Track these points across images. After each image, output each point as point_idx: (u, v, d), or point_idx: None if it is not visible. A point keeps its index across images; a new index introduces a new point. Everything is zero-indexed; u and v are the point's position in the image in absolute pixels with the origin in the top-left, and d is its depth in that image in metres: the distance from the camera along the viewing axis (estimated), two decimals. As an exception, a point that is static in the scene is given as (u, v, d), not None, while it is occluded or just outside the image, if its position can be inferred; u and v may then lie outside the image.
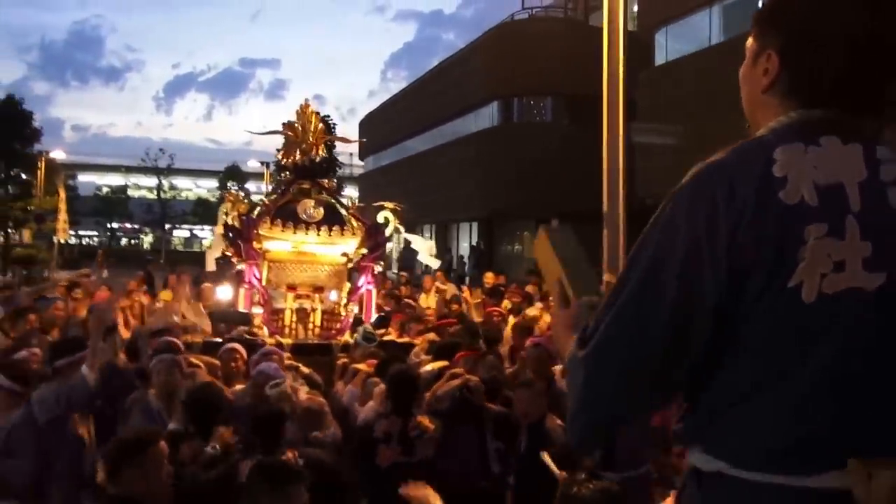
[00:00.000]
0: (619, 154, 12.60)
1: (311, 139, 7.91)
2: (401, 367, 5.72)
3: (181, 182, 67.21)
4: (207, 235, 67.28)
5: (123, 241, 67.33)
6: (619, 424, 1.61)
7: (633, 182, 13.21)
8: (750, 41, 1.54)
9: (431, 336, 7.56)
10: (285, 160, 8.01)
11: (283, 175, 8.21)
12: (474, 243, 33.87)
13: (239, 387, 6.24)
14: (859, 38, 1.39)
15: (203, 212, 61.11)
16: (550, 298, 2.11)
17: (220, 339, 7.28)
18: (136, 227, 64.79)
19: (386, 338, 7.66)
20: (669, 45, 21.54)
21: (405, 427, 5.11)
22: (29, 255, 32.36)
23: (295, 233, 7.52)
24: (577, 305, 1.61)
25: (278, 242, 7.66)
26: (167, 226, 59.97)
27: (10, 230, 35.25)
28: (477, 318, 10.85)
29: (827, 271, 1.31)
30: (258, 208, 7.92)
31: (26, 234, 35.89)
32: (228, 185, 59.27)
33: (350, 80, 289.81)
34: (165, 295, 12.82)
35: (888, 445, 1.33)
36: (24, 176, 36.39)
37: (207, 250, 8.76)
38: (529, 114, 28.90)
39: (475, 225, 34.05)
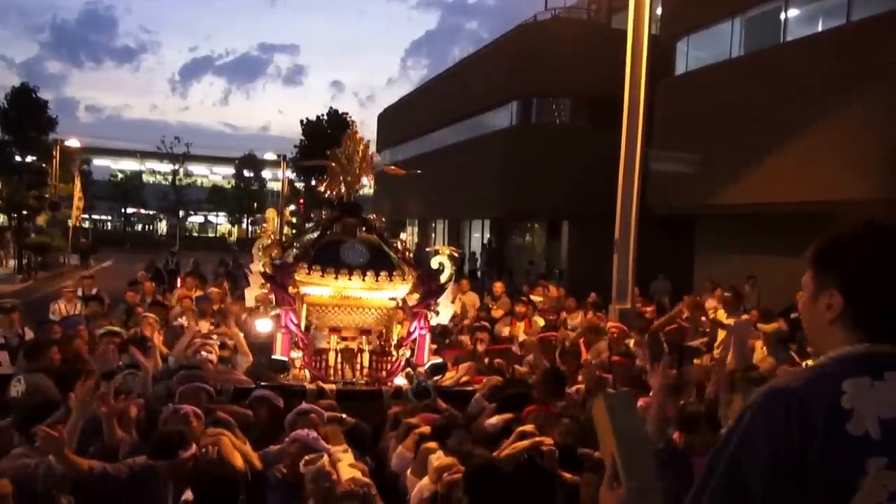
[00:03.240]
0: (636, 159, 11.87)
1: (357, 171, 6.86)
2: (483, 460, 4.70)
3: (196, 168, 66.08)
4: (222, 221, 66.53)
5: (138, 226, 66.13)
6: None
7: (645, 191, 12.53)
8: (807, 278, 1.63)
9: (494, 380, 6.55)
10: (328, 192, 6.95)
11: (321, 209, 7.04)
12: (486, 240, 33.02)
13: (274, 448, 5.26)
14: None
15: (218, 199, 60.28)
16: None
17: (253, 385, 6.28)
18: (151, 212, 63.56)
19: (443, 382, 6.68)
20: (691, 54, 20.42)
21: None
22: (43, 243, 31.68)
23: (337, 278, 6.49)
24: (626, 490, 1.57)
25: (318, 288, 6.62)
26: (181, 212, 58.80)
27: (24, 215, 34.18)
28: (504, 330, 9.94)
29: (881, 500, 1.39)
30: (294, 250, 6.83)
31: (40, 221, 34.83)
32: (244, 172, 58.22)
33: (369, 67, 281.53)
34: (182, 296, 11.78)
35: None
36: (39, 163, 35.19)
37: (247, 290, 7.66)
38: (548, 115, 27.81)
39: (487, 222, 33.11)
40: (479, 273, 28.29)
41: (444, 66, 36.24)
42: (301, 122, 47.66)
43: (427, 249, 7.30)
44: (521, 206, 26.34)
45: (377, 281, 6.51)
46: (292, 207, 41.78)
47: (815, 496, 1.40)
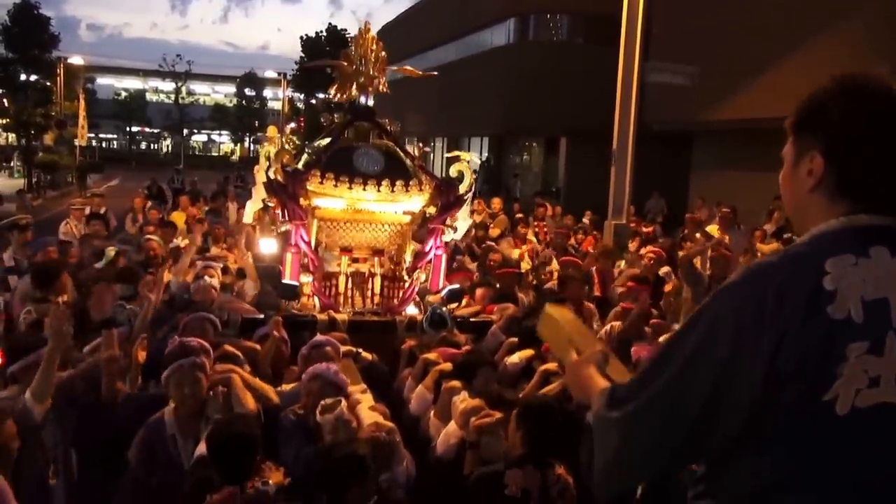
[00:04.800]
0: (634, 75, 11.08)
1: (371, 71, 5.90)
2: (541, 400, 3.98)
3: (198, 87, 64.06)
4: (225, 140, 64.90)
5: (143, 145, 64.45)
6: (641, 482, 1.81)
7: (642, 107, 11.83)
8: (787, 147, 1.50)
9: (511, 310, 5.80)
10: (339, 96, 5.99)
11: (333, 115, 6.10)
12: (484, 158, 32.04)
13: (286, 387, 4.55)
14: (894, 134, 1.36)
15: (220, 117, 58.75)
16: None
17: (262, 316, 5.54)
18: (156, 131, 61.86)
19: (458, 311, 5.91)
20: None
21: (546, 482, 3.49)
22: (51, 161, 30.87)
23: (350, 188, 5.56)
24: (593, 350, 1.71)
25: (330, 199, 5.75)
26: (185, 131, 57.20)
27: (31, 134, 33.04)
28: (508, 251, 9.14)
29: (862, 387, 1.28)
30: (305, 157, 5.90)
31: (48, 139, 33.72)
32: (246, 91, 56.40)
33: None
34: (178, 219, 11.01)
35: None
36: (43, 82, 33.78)
37: (249, 202, 6.73)
38: (546, 32, 26.41)
39: (486, 140, 32.02)
40: (478, 192, 27.28)
41: (442, -16, 34.41)
42: (301, 38, 45.58)
43: (447, 155, 6.30)
44: (519, 123, 25.35)
45: (392, 192, 5.59)
46: (293, 125, 40.35)
47: (790, 389, 1.29)
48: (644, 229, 11.50)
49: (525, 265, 8.42)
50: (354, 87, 5.91)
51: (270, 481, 3.27)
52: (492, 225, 11.51)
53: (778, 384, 1.29)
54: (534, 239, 10.08)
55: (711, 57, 16.63)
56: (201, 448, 3.56)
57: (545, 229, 11.50)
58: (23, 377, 3.82)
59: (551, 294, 6.68)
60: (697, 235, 9.51)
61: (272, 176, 5.49)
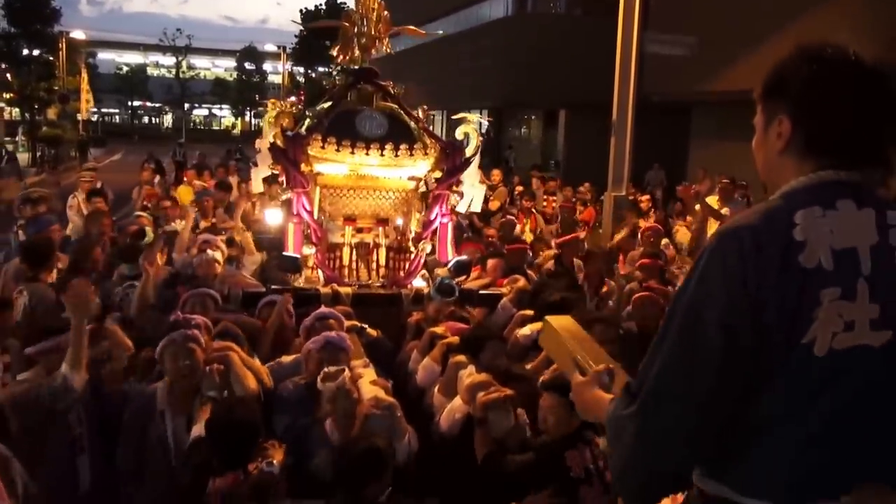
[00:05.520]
0: (633, 46, 10.66)
1: (373, 32, 5.49)
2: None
3: (199, 61, 63.13)
4: (226, 114, 64.11)
5: (145, 119, 63.65)
6: (670, 475, 1.49)
7: (641, 79, 11.51)
8: (758, 116, 1.55)
9: (521, 283, 5.46)
10: (341, 58, 5.58)
11: (335, 77, 5.64)
12: (483, 131, 31.49)
13: (287, 358, 4.25)
14: (856, 96, 1.42)
15: (221, 91, 58.01)
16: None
17: (264, 290, 5.20)
18: (157, 105, 61.06)
19: (467, 284, 5.56)
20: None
21: (594, 456, 3.22)
22: (55, 135, 30.49)
23: (353, 153, 5.18)
24: (596, 371, 1.66)
25: (333, 165, 5.38)
26: (186, 105, 56.43)
27: (35, 108, 32.55)
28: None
29: (838, 330, 1.34)
30: (307, 120, 5.51)
31: (51, 114, 33.23)
32: (246, 65, 55.58)
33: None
34: (184, 193, 10.67)
35: (883, 480, 1.36)
36: (46, 56, 33.21)
37: (252, 168, 6.33)
38: (544, 4, 25.88)
39: (485, 113, 31.48)
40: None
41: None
42: (301, 11, 44.63)
43: (454, 118, 5.88)
44: (518, 95, 24.84)
45: (396, 156, 5.20)
46: (293, 99, 39.71)
47: (773, 335, 1.34)
48: (641, 198, 11.24)
49: (528, 237, 8.11)
50: (357, 48, 5.50)
51: (275, 461, 3.05)
52: (491, 197, 11.18)
53: (763, 332, 1.33)
54: (538, 218, 9.73)
55: (710, 28, 16.23)
56: (197, 430, 3.33)
57: (553, 203, 11.21)
58: (42, 359, 3.59)
59: (549, 276, 6.38)
60: (697, 207, 9.23)
61: (273, 140, 5.11)
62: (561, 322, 1.87)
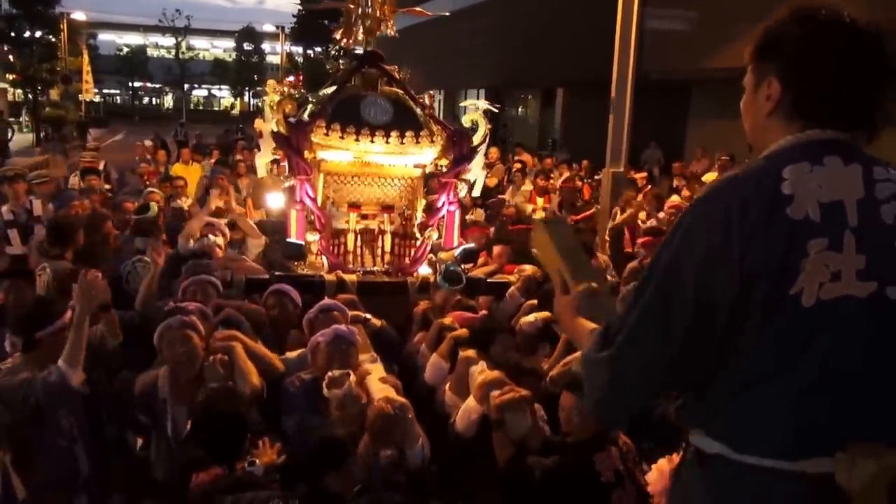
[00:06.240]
0: (633, 21, 10.41)
1: (377, 13, 5.22)
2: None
3: (198, 42, 62.34)
4: (225, 95, 63.41)
5: (145, 100, 62.97)
6: (640, 408, 1.57)
7: (641, 57, 11.24)
8: (748, 76, 1.54)
9: (530, 270, 5.25)
10: (345, 41, 5.33)
11: (339, 62, 5.38)
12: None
13: (292, 354, 4.07)
14: (846, 58, 1.38)
15: (220, 72, 57.36)
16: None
17: (267, 276, 4.99)
18: (157, 86, 60.36)
19: (473, 271, 5.36)
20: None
21: (623, 456, 3.07)
22: (58, 116, 30.14)
23: (358, 140, 4.95)
24: (576, 293, 1.60)
25: (337, 152, 5.13)
26: (186, 86, 55.76)
27: (38, 90, 32.08)
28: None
29: (825, 280, 1.32)
30: (310, 106, 5.23)
31: (54, 95, 32.80)
32: (245, 45, 54.88)
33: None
34: (179, 169, 10.49)
35: (876, 435, 1.32)
36: (48, 37, 32.70)
37: (256, 153, 6.09)
38: (543, -19, 25.33)
39: (482, 92, 31.07)
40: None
41: (438, -65, 33.04)
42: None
43: (462, 104, 5.63)
44: (516, 74, 24.46)
45: (402, 143, 4.98)
46: (291, 79, 39.18)
47: (760, 287, 1.32)
48: (636, 175, 11.10)
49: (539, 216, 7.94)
50: (360, 30, 5.24)
51: (258, 461, 2.94)
52: (489, 174, 10.99)
53: (749, 284, 1.32)
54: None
55: (712, 3, 15.81)
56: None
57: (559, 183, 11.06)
58: (48, 349, 3.40)
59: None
60: (697, 188, 9.08)
61: (275, 128, 4.87)
62: (556, 228, 1.76)
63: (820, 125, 1.41)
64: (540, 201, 9.08)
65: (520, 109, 29.74)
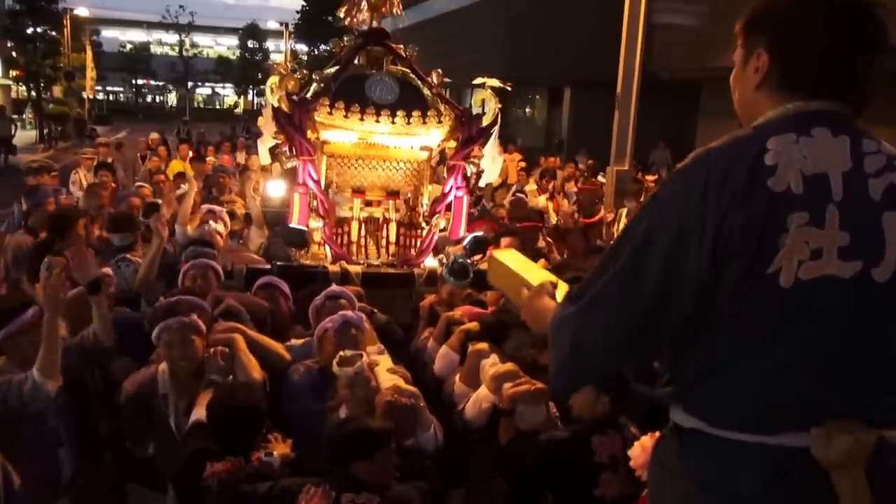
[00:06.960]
0: (640, 17, 10.26)
1: (383, -10, 5.03)
2: None
3: (201, 39, 62.21)
4: (229, 93, 63.30)
5: (149, 97, 62.88)
6: (600, 378, 1.76)
7: (649, 56, 11.11)
8: (737, 51, 1.50)
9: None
10: (349, 20, 5.14)
11: (343, 40, 5.16)
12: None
13: (297, 341, 3.88)
14: (835, 28, 1.35)
15: (224, 70, 57.22)
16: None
17: (268, 266, 4.80)
18: (161, 84, 60.27)
19: (482, 264, 5.14)
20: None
21: (625, 445, 2.89)
22: (62, 112, 30.13)
23: (362, 119, 4.73)
24: (539, 286, 1.63)
25: (341, 132, 4.93)
26: (190, 83, 55.66)
27: (41, 86, 32.04)
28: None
29: (804, 258, 1.27)
30: (314, 85, 5.03)
31: (57, 91, 32.78)
32: (248, 43, 54.76)
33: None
34: (176, 165, 10.37)
35: (851, 412, 1.31)
36: (51, 33, 32.66)
37: (259, 141, 5.89)
38: (550, -22, 25.17)
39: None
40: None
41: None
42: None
43: (473, 82, 5.41)
44: (522, 73, 24.18)
45: (409, 123, 4.76)
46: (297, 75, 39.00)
47: (735, 264, 1.27)
48: (646, 178, 10.91)
49: (552, 217, 7.75)
50: (365, 8, 5.04)
51: (275, 453, 2.84)
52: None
53: (724, 260, 1.28)
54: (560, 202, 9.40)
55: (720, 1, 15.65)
56: (198, 414, 3.05)
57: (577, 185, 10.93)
58: (13, 351, 3.21)
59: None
60: None
61: (277, 104, 4.68)
62: (507, 255, 1.88)
63: (808, 96, 1.38)
64: (542, 199, 8.85)
65: (527, 109, 29.54)
